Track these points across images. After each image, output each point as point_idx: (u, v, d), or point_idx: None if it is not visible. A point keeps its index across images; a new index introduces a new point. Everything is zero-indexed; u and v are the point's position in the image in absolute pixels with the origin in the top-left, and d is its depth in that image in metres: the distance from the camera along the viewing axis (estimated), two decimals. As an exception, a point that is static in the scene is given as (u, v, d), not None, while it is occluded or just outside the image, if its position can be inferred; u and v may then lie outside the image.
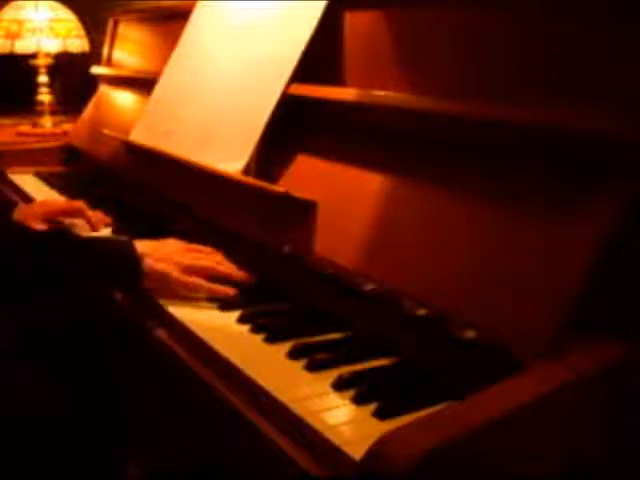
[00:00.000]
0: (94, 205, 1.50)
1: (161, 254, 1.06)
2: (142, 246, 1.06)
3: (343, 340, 0.92)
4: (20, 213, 1.40)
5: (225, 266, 1.09)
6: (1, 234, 1.05)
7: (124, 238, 1.10)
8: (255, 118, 1.22)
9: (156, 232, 1.34)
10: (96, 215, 1.43)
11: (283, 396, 0.77)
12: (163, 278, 1.04)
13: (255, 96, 1.26)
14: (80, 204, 1.45)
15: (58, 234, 1.09)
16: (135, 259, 1.04)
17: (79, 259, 1.03)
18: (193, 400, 0.93)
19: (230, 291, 1.04)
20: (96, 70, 2.14)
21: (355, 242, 0.96)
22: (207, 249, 1.14)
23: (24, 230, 1.14)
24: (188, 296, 1.04)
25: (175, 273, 1.04)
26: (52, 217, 1.41)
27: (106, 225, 1.42)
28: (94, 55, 2.34)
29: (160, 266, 1.04)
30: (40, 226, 1.33)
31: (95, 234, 1.36)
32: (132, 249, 1.05)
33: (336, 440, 0.68)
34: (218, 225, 1.23)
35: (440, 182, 0.92)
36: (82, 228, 1.41)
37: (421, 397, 0.76)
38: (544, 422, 0.66)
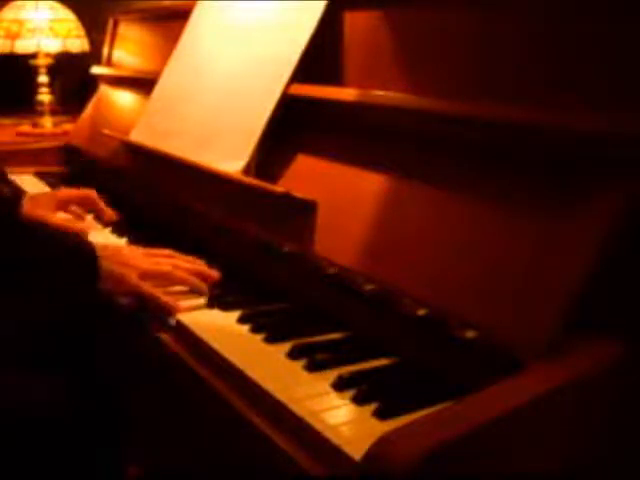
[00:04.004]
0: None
1: (119, 258, 1.05)
2: (101, 248, 1.04)
3: (343, 340, 0.92)
4: (31, 202, 1.33)
5: (184, 269, 1.07)
6: None
7: (84, 238, 1.08)
8: (255, 118, 1.22)
9: (156, 232, 1.35)
10: (107, 210, 1.41)
11: (283, 396, 0.77)
12: (120, 281, 1.02)
13: (255, 96, 1.25)
14: (93, 192, 1.41)
15: (16, 224, 1.07)
16: (93, 258, 1.02)
17: (36, 252, 1.01)
18: (193, 400, 0.93)
19: (180, 308, 1.01)
20: (96, 70, 2.14)
21: (355, 242, 0.96)
22: (166, 252, 1.12)
23: None
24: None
25: (133, 278, 1.03)
26: (64, 206, 1.38)
27: (110, 224, 1.41)
28: (94, 55, 2.34)
29: (118, 268, 1.02)
30: (53, 215, 1.32)
31: (86, 233, 1.33)
32: (91, 249, 1.03)
33: (336, 440, 0.68)
34: (218, 225, 1.23)
35: (440, 182, 0.92)
36: (89, 223, 1.41)
37: (421, 397, 0.75)
38: (544, 422, 0.66)
